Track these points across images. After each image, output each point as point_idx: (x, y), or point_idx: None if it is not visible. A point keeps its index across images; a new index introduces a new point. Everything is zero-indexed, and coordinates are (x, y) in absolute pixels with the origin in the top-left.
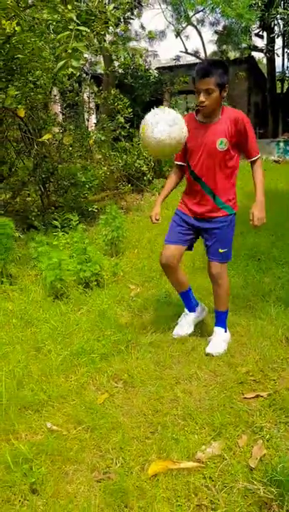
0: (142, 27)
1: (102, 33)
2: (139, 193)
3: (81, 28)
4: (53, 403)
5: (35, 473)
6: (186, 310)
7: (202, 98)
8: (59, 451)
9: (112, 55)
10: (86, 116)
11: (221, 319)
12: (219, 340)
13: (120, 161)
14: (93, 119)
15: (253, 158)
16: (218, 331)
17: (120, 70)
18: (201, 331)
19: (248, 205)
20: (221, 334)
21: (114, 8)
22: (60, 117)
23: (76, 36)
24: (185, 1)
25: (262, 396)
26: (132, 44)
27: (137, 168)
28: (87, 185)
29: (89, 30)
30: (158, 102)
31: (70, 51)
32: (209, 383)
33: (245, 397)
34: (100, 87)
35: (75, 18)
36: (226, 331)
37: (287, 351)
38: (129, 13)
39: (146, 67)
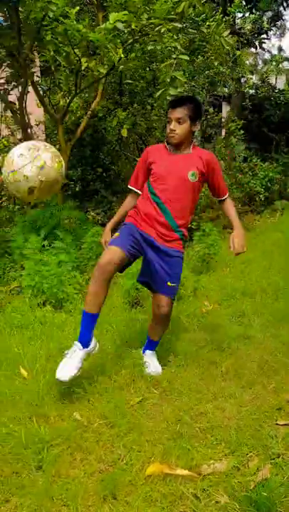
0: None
1: (212, 57)
2: (258, 214)
3: (182, 56)
4: (89, 398)
5: (47, 453)
6: (78, 344)
7: (172, 127)
8: (75, 439)
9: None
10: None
11: (154, 345)
12: (154, 362)
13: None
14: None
15: (223, 198)
16: (150, 354)
17: (251, 91)
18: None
19: None
20: (153, 356)
21: (230, 33)
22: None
23: (177, 64)
24: None
25: None
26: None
27: (252, 188)
28: None
29: (188, 58)
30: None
31: (168, 80)
32: (246, 404)
33: (277, 423)
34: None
35: (179, 47)
36: None
37: None
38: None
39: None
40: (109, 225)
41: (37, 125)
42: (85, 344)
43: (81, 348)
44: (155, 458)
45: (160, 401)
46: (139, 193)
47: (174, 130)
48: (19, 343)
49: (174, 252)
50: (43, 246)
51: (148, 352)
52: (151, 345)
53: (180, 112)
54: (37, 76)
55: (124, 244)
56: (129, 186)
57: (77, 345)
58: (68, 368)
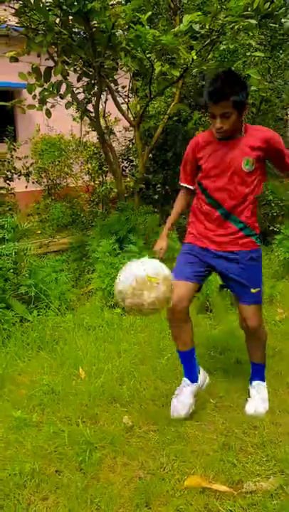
0: None
1: None
2: None
3: (257, 53)
4: (141, 402)
5: (90, 455)
6: (186, 380)
7: (219, 124)
8: (120, 444)
9: None
10: None
11: (258, 371)
12: (260, 398)
13: None
14: None
15: None
16: (257, 386)
17: None
18: None
19: None
20: (262, 390)
21: None
22: None
23: (254, 62)
24: None
25: None
26: None
27: None
28: (272, 204)
29: (263, 55)
30: None
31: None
32: None
33: None
34: None
35: (254, 44)
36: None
37: None
38: None
39: None
40: (166, 229)
41: (120, 131)
42: (192, 379)
43: (189, 383)
44: (197, 470)
45: (213, 411)
46: (192, 188)
47: (222, 127)
48: (84, 344)
49: (245, 255)
50: (114, 249)
51: (254, 383)
52: (254, 370)
53: (224, 106)
54: (114, 84)
55: (189, 274)
56: (180, 184)
57: (185, 381)
58: (181, 405)
